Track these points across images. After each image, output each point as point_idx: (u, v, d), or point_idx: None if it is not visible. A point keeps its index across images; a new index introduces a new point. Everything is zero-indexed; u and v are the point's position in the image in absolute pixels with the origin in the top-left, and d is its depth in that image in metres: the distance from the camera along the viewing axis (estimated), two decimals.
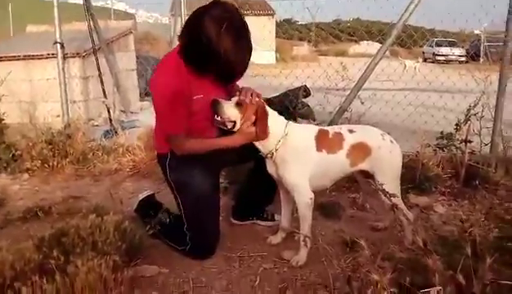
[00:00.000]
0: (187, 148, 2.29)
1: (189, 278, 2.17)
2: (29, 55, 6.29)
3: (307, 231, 2.29)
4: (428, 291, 1.30)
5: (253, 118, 2.21)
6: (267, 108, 2.30)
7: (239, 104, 2.21)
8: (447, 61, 22.14)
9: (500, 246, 1.90)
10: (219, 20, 2.01)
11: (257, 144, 2.29)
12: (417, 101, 4.66)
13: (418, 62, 16.75)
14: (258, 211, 2.81)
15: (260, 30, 6.00)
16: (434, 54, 23.92)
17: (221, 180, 3.29)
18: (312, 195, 2.30)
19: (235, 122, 2.22)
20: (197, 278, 2.19)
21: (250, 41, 2.14)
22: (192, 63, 2.16)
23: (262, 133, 2.22)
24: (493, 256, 1.43)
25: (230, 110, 2.20)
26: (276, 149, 2.26)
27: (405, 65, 14.57)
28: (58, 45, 4.50)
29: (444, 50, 23.78)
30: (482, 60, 12.99)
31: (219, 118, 2.21)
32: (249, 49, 2.14)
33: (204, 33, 2.02)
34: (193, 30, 2.09)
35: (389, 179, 2.37)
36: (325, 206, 2.98)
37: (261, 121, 2.22)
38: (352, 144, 2.34)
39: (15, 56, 6.26)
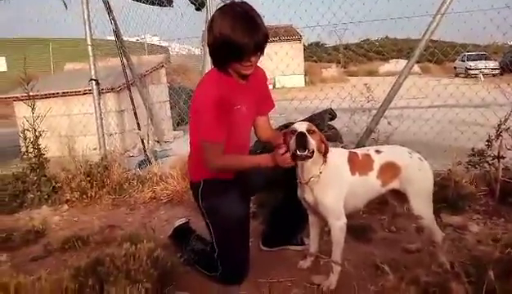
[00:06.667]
0: (222, 162, 2.31)
1: None
2: (67, 92, 6.59)
3: (338, 256, 2.27)
4: None
5: (322, 145, 2.20)
6: None
7: (311, 132, 2.15)
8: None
9: None
10: (225, 12, 2.20)
11: (305, 168, 2.23)
12: (446, 118, 4.57)
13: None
14: (289, 238, 2.80)
15: (287, 55, 6.11)
16: (467, 68, 23.25)
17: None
18: (346, 220, 2.28)
19: (313, 151, 2.14)
20: None
21: (258, 23, 2.19)
22: (212, 57, 2.32)
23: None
24: None
25: (312, 141, 2.13)
26: (321, 172, 2.23)
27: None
28: (93, 82, 4.74)
29: (477, 64, 23.06)
30: None
31: (306, 153, 2.08)
32: (256, 29, 2.18)
33: (213, 25, 2.21)
34: (208, 28, 2.28)
35: (421, 197, 2.35)
36: (356, 228, 2.94)
37: (326, 146, 2.22)
38: (381, 164, 2.34)
39: (54, 93, 6.57)
